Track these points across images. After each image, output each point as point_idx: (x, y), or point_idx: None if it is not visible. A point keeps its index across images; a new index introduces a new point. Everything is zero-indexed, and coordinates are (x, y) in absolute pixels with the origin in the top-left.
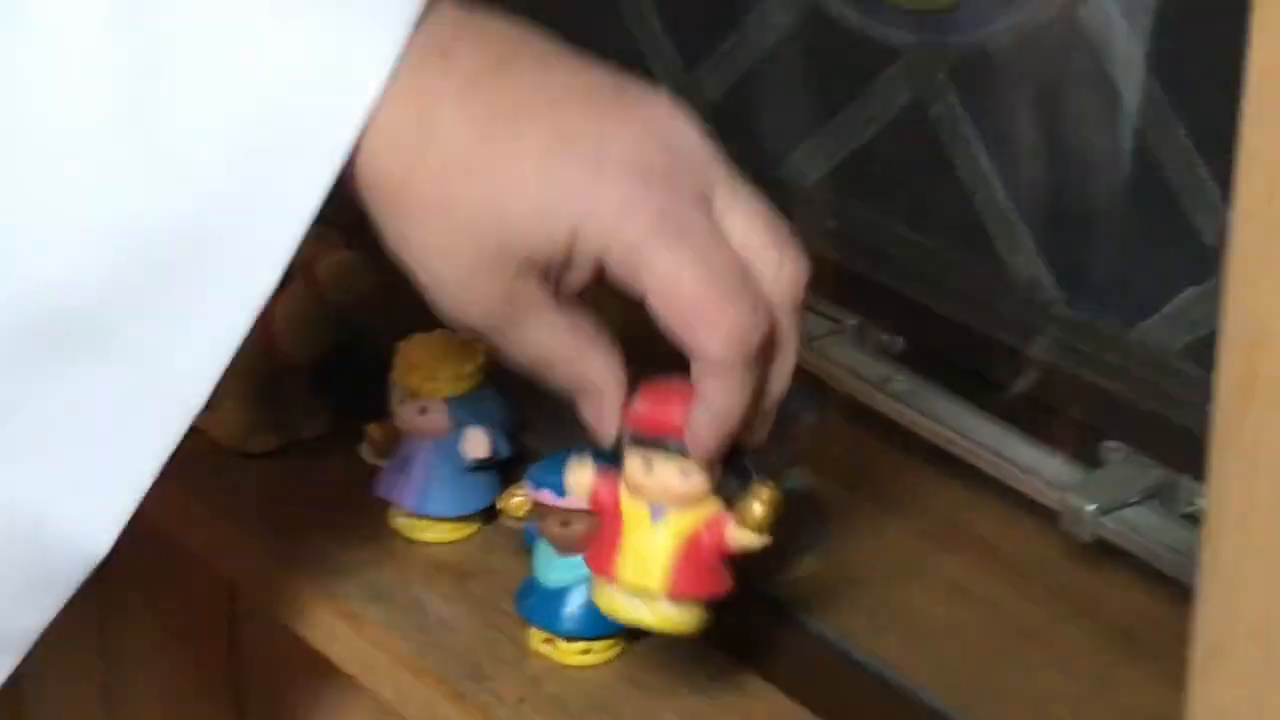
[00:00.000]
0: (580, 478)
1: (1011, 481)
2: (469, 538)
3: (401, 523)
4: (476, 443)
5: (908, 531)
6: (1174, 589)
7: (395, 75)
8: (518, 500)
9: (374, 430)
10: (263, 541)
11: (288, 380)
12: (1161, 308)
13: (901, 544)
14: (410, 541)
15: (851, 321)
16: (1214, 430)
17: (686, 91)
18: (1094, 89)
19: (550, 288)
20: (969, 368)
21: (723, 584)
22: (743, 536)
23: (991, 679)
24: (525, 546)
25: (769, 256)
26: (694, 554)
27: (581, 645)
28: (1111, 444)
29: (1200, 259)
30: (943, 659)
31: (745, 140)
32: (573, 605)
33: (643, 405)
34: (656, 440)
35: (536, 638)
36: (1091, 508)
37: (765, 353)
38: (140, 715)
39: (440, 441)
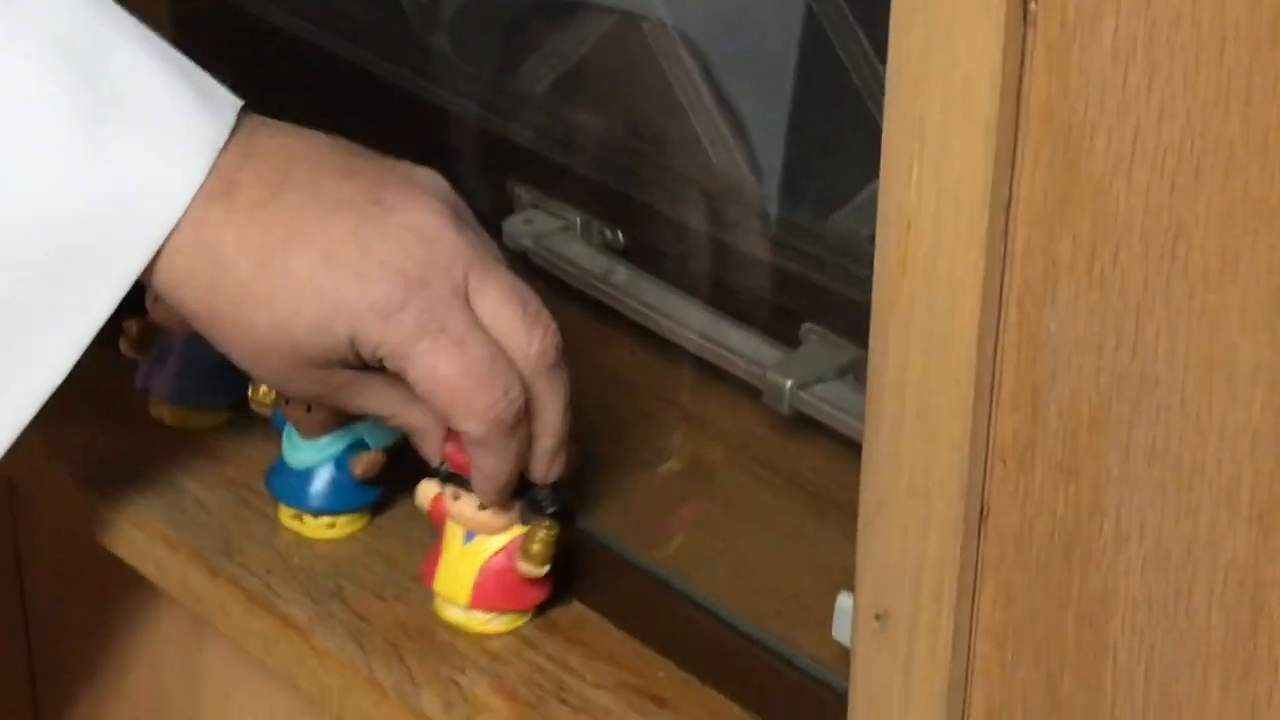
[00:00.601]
0: (424, 493)
1: (720, 362)
2: (223, 425)
3: (161, 412)
4: None
5: (629, 409)
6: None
7: (184, 214)
8: (265, 389)
9: (130, 326)
10: (35, 436)
11: None
12: (850, 200)
13: (623, 421)
14: (169, 429)
15: (577, 219)
16: (875, 305)
17: (425, 13)
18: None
19: (359, 365)
20: (683, 260)
21: (525, 598)
22: (524, 566)
23: (702, 543)
24: (275, 431)
25: (519, 331)
26: (495, 574)
27: (327, 520)
28: (809, 326)
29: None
30: (658, 526)
31: (479, 55)
32: (318, 483)
33: (450, 446)
34: (460, 478)
35: (285, 514)
36: (790, 384)
37: (525, 418)
38: None
39: (194, 335)
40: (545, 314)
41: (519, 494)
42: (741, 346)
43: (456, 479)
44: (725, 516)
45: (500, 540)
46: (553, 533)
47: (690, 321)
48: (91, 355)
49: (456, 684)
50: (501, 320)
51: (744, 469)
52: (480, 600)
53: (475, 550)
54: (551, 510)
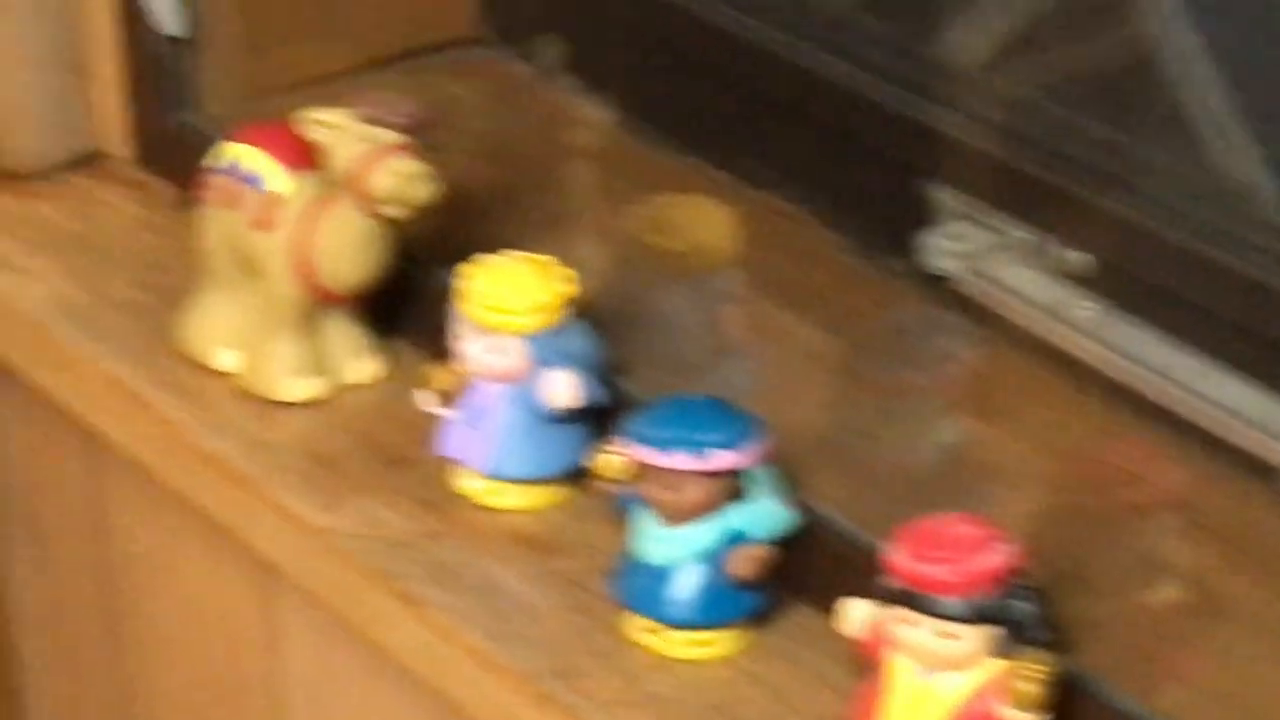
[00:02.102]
0: (857, 616)
1: (1219, 430)
2: (554, 505)
3: (471, 487)
4: (562, 388)
5: (1090, 491)
6: None
7: None
8: (613, 458)
9: (436, 374)
10: (303, 508)
11: (330, 316)
12: None
13: (1084, 507)
14: (482, 509)
15: (1025, 234)
16: None
17: None
18: None
19: None
20: (1168, 291)
21: None
22: (1012, 717)
23: (1212, 682)
24: (622, 515)
25: None
26: None
27: (695, 636)
28: None
29: None
30: (1141, 650)
31: (888, 13)
32: (683, 586)
33: (900, 553)
34: (912, 596)
35: (638, 627)
36: None
37: None
38: None
39: (517, 387)
40: None
41: (989, 615)
42: (1250, 409)
43: (904, 599)
44: (1237, 645)
45: (974, 679)
46: (1049, 668)
47: (1176, 374)
48: (379, 408)
49: None
50: None
51: (1254, 578)
52: None
53: (937, 691)
54: (1044, 637)
